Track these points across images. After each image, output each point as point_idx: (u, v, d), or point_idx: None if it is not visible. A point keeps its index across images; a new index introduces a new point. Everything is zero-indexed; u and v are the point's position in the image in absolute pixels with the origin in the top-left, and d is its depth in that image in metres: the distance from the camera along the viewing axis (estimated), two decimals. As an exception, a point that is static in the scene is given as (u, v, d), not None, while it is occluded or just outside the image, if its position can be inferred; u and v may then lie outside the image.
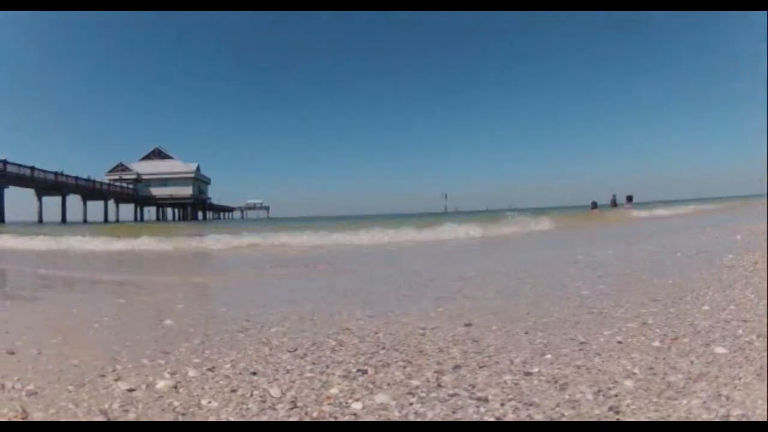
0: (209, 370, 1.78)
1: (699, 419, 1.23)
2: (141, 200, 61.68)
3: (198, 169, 65.68)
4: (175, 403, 1.47)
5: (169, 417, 1.38)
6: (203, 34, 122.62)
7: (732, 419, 1.22)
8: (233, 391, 1.57)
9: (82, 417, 1.39)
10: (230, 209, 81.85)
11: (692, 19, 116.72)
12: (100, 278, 5.51)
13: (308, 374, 1.71)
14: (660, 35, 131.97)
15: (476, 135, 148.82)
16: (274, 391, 1.55)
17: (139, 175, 62.16)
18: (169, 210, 66.24)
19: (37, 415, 1.40)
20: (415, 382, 1.59)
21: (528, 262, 5.69)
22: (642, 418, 1.26)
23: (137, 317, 2.91)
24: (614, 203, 27.12)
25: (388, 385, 1.58)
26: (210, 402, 1.48)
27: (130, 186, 61.13)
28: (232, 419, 1.36)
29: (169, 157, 65.01)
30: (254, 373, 1.73)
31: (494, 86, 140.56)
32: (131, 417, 1.39)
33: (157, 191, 62.70)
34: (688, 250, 5.01)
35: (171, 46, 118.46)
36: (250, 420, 1.36)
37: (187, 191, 63.44)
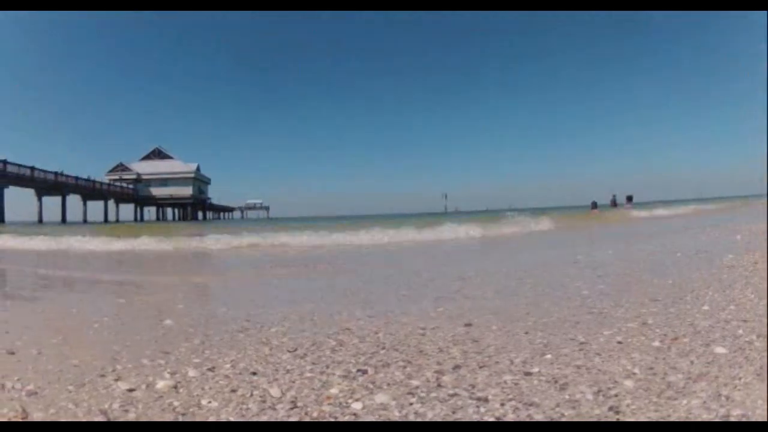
0: (209, 370, 1.78)
1: (699, 419, 1.23)
2: (141, 200, 61.69)
3: (198, 169, 65.70)
4: (175, 403, 1.47)
5: (169, 417, 1.38)
6: (203, 34, 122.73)
7: (732, 419, 1.22)
8: (233, 391, 1.57)
9: (82, 417, 1.39)
10: (230, 209, 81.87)
11: (692, 19, 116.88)
12: (100, 278, 5.51)
13: (308, 374, 1.71)
14: (660, 35, 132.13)
15: (476, 135, 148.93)
16: (274, 391, 1.55)
17: (139, 175, 62.18)
18: (169, 210, 66.27)
19: (37, 415, 1.40)
20: (415, 382, 1.59)
21: (528, 262, 5.69)
22: (642, 418, 1.26)
23: (137, 317, 2.91)
24: (614, 203, 27.12)
25: (388, 385, 1.58)
26: (210, 402, 1.48)
27: (130, 186, 61.15)
28: (232, 419, 1.36)
29: (169, 157, 65.02)
30: (254, 373, 1.73)
31: (494, 86, 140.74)
32: (131, 417, 1.39)
33: (157, 191, 62.71)
34: (688, 250, 5.01)
35: (171, 46, 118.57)
36: (250, 420, 1.36)
37: (187, 191, 63.45)
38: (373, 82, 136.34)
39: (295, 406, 1.43)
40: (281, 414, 1.39)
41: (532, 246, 8.13)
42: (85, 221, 48.28)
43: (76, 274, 6.07)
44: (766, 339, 1.82)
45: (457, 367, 1.73)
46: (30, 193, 44.14)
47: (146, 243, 9.67)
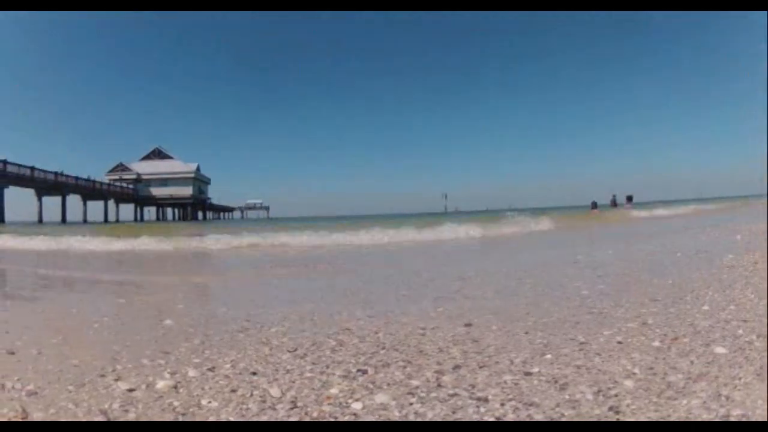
0: (209, 370, 1.78)
1: (699, 419, 1.23)
2: (141, 200, 61.71)
3: (198, 169, 65.71)
4: (175, 403, 1.47)
5: (169, 417, 1.38)
6: (203, 34, 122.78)
7: (732, 419, 1.22)
8: (233, 391, 1.57)
9: (82, 417, 1.39)
10: (230, 209, 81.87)
11: (692, 19, 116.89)
12: (100, 278, 5.51)
13: (308, 374, 1.71)
14: (660, 35, 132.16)
15: (476, 135, 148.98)
16: (274, 391, 1.55)
17: (139, 175, 62.19)
18: (169, 210, 66.28)
19: (37, 415, 1.40)
20: (415, 382, 1.59)
21: (528, 262, 5.69)
22: (642, 418, 1.26)
23: (137, 317, 2.91)
24: (614, 203, 27.12)
25: (388, 385, 1.58)
26: (210, 402, 1.48)
27: (130, 186, 61.16)
28: (232, 419, 1.36)
29: (169, 157, 65.03)
30: (254, 373, 1.73)
31: (494, 86, 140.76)
32: (131, 417, 1.39)
33: (157, 191, 62.72)
34: (688, 250, 5.01)
35: (171, 46, 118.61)
36: (250, 420, 1.36)
37: (187, 191, 63.46)
38: (373, 82, 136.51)
39: (295, 406, 1.43)
40: (281, 414, 1.39)
41: (532, 246, 8.13)
42: (85, 221, 48.28)
43: (76, 274, 6.07)
44: (766, 339, 1.82)
45: (457, 367, 1.73)
46: (30, 193, 44.17)
47: (146, 243, 9.67)
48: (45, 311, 3.15)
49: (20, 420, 1.37)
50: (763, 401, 1.29)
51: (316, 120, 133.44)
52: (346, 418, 1.35)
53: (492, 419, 1.31)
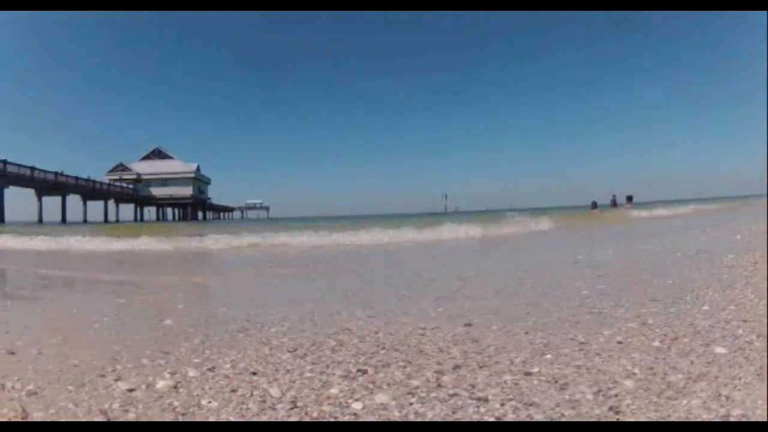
0: (209, 370, 1.78)
1: (699, 419, 1.23)
2: (141, 200, 61.71)
3: (198, 169, 65.71)
4: (175, 403, 1.47)
5: (169, 417, 1.38)
6: (203, 34, 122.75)
7: (732, 419, 1.22)
8: (233, 391, 1.57)
9: (82, 417, 1.39)
10: (230, 209, 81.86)
11: (692, 19, 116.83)
12: (100, 278, 5.51)
13: (308, 374, 1.71)
14: (660, 35, 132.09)
15: (476, 135, 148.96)
16: (274, 391, 1.55)
17: (139, 175, 62.19)
18: (169, 210, 66.27)
19: (37, 415, 1.40)
20: (415, 382, 1.59)
21: (528, 262, 5.69)
22: (642, 418, 1.26)
23: (137, 317, 2.91)
24: (614, 203, 27.12)
25: (388, 385, 1.58)
26: (210, 402, 1.48)
27: (130, 186, 61.16)
28: (232, 419, 1.36)
29: (169, 157, 65.04)
30: (254, 373, 1.73)
31: (494, 86, 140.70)
32: (131, 417, 1.39)
33: (157, 191, 62.72)
34: (688, 250, 5.01)
35: (171, 46, 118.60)
36: (250, 420, 1.36)
37: (187, 191, 63.47)
38: (373, 82, 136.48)
39: (295, 406, 1.43)
40: (281, 414, 1.39)
41: (532, 246, 8.13)
42: (85, 221, 48.29)
43: (76, 274, 6.07)
44: (766, 339, 1.82)
45: (457, 367, 1.73)
46: (30, 193, 44.18)
47: (146, 243, 9.66)
48: (45, 311, 3.15)
49: (20, 420, 1.37)
50: (763, 401, 1.29)
51: (317, 120, 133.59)
52: (346, 418, 1.35)
53: (492, 419, 1.31)
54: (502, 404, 1.39)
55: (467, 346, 1.99)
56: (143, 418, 1.38)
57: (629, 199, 25.18)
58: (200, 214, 68.05)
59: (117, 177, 61.13)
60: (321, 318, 2.63)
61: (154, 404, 1.47)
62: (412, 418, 1.34)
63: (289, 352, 2.00)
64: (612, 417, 1.28)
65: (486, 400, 1.42)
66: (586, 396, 1.41)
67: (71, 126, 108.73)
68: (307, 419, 1.35)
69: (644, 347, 1.84)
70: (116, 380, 1.68)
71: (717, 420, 1.22)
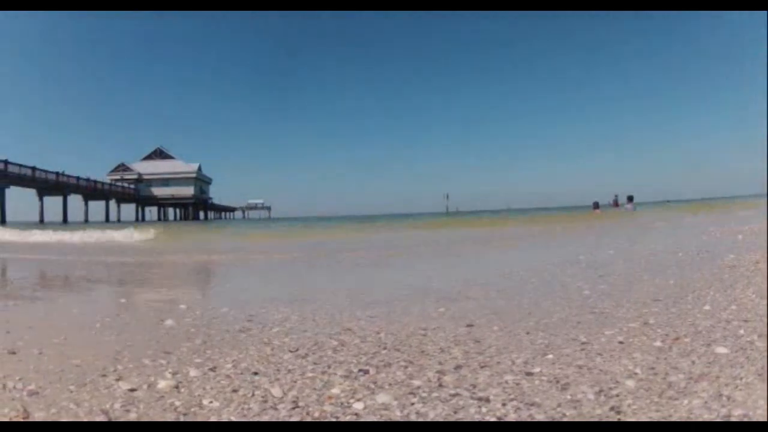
0: (211, 370, 1.78)
1: (700, 419, 1.23)
2: (142, 200, 61.79)
3: (199, 168, 65.76)
4: (177, 403, 1.47)
5: (170, 417, 1.39)
6: (204, 34, 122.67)
7: (733, 419, 1.22)
8: (235, 391, 1.57)
9: (83, 417, 1.39)
10: (232, 209, 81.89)
11: (692, 19, 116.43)
12: (101, 278, 5.52)
13: (310, 374, 1.71)
14: (660, 35, 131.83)
15: (476, 135, 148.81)
16: (276, 391, 1.55)
17: (140, 175, 62.27)
18: (170, 210, 66.34)
19: (38, 415, 1.41)
20: (416, 382, 1.59)
21: (529, 262, 5.69)
22: (643, 418, 1.26)
23: (138, 317, 2.91)
24: (616, 203, 27.09)
25: (390, 385, 1.58)
26: (211, 402, 1.48)
27: (132, 186, 61.26)
28: (233, 419, 1.36)
29: (171, 157, 65.11)
30: (256, 373, 1.73)
31: (494, 86, 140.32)
32: (132, 417, 1.39)
33: (158, 191, 62.79)
34: (690, 250, 5.00)
35: (172, 46, 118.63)
36: (251, 420, 1.36)
37: (188, 191, 63.53)
38: (374, 83, 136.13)
39: (297, 406, 1.43)
40: (283, 414, 1.39)
41: (533, 246, 8.13)
42: (86, 221, 48.33)
43: (77, 273, 6.08)
44: (767, 339, 1.82)
45: (458, 367, 1.73)
46: (31, 193, 44.28)
47: (150, 242, 9.68)
48: (46, 311, 3.15)
49: (21, 420, 1.38)
50: (764, 401, 1.29)
51: (317, 120, 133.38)
52: (348, 418, 1.35)
53: (493, 419, 1.31)
54: (504, 404, 1.39)
55: (469, 346, 1.99)
56: (145, 418, 1.38)
57: (630, 199, 25.12)
58: (202, 214, 68.14)
59: (118, 177, 61.23)
60: (322, 318, 2.63)
61: (156, 404, 1.47)
62: (413, 418, 1.34)
63: (291, 352, 2.00)
64: (613, 417, 1.28)
65: (487, 400, 1.42)
66: (588, 396, 1.41)
67: (72, 126, 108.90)
68: (309, 419, 1.35)
69: (646, 347, 1.84)
70: (118, 380, 1.68)
71: (718, 420, 1.22)
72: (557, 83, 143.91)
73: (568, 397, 1.42)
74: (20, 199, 53.26)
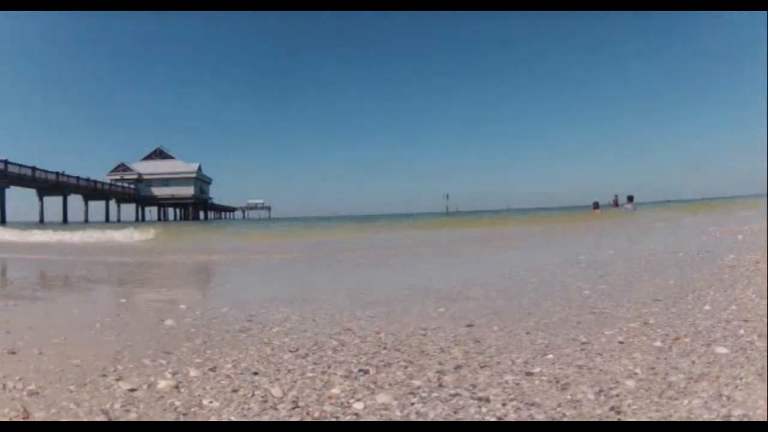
0: (211, 370, 1.78)
1: (700, 419, 1.23)
2: (142, 200, 61.80)
3: (199, 169, 65.77)
4: (177, 403, 1.47)
5: (170, 417, 1.39)
6: (204, 34, 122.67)
7: (733, 419, 1.22)
8: (235, 391, 1.57)
9: (83, 417, 1.39)
10: (232, 209, 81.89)
11: (692, 19, 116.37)
12: (101, 278, 5.52)
13: (310, 374, 1.71)
14: (660, 35, 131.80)
15: (477, 135, 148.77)
16: (276, 391, 1.55)
17: (140, 175, 62.28)
18: (170, 210, 66.35)
19: (38, 415, 1.41)
20: (416, 382, 1.59)
21: (529, 262, 5.69)
22: (643, 418, 1.26)
23: (139, 317, 2.91)
24: (616, 203, 27.10)
25: (390, 385, 1.58)
26: (211, 402, 1.48)
27: (132, 186, 61.27)
28: (233, 419, 1.36)
29: (171, 157, 65.12)
30: (256, 373, 1.73)
31: (494, 86, 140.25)
32: (132, 417, 1.39)
33: (158, 191, 62.80)
34: (690, 250, 5.00)
35: (172, 46, 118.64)
36: (251, 420, 1.36)
37: (188, 191, 63.54)
38: (374, 83, 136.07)
39: (297, 406, 1.43)
40: (283, 414, 1.39)
41: (533, 246, 8.13)
42: (86, 221, 48.34)
43: (78, 273, 6.08)
44: (767, 339, 1.82)
45: (458, 367, 1.73)
46: (32, 193, 44.28)
47: (150, 242, 9.68)
48: (46, 311, 3.15)
49: (21, 420, 1.38)
50: (764, 401, 1.29)
51: (317, 120, 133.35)
52: (348, 418, 1.35)
53: (493, 419, 1.31)
54: (504, 404, 1.39)
55: (469, 346, 1.99)
56: (145, 418, 1.38)
57: (630, 199, 25.14)
58: (202, 214, 68.15)
59: (118, 177, 61.24)
60: (322, 318, 2.63)
61: (156, 404, 1.47)
62: (413, 418, 1.34)
63: (291, 352, 2.00)
64: (613, 417, 1.28)
65: (487, 400, 1.42)
66: (588, 396, 1.41)
67: (72, 126, 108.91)
68: (309, 419, 1.35)
69: (646, 347, 1.84)
70: (118, 380, 1.68)
71: (718, 420, 1.22)
72: (557, 83, 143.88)
73: (568, 397, 1.42)
74: (20, 199, 53.35)
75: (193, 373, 1.75)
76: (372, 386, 1.57)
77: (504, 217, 12.98)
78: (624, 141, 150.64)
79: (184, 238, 14.03)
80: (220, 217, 77.39)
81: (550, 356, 1.80)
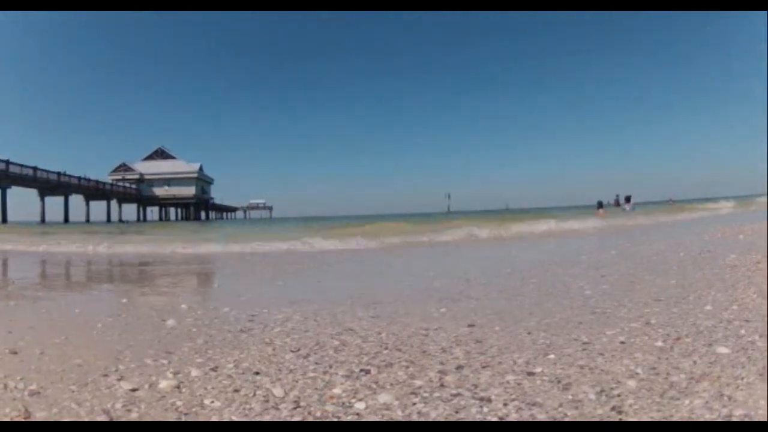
0: (212, 369, 1.79)
1: (701, 419, 1.23)
2: (144, 200, 61.81)
3: (201, 168, 65.77)
4: (178, 403, 1.48)
5: (172, 417, 1.39)
6: (205, 34, 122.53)
7: (734, 419, 1.22)
8: (236, 390, 1.57)
9: (84, 417, 1.39)
10: (233, 209, 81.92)
11: (692, 19, 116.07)
12: (103, 278, 5.52)
13: (311, 374, 1.71)
14: (660, 35, 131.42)
15: (476, 135, 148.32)
16: (277, 391, 1.55)
17: (142, 175, 62.29)
18: (171, 210, 66.34)
19: (39, 415, 1.41)
20: (418, 382, 1.59)
21: (531, 262, 5.69)
22: (644, 418, 1.26)
23: (140, 317, 2.91)
24: (617, 203, 27.08)
25: (391, 385, 1.58)
26: (213, 402, 1.48)
27: (133, 186, 61.27)
28: (234, 419, 1.37)
29: (172, 157, 65.11)
30: (257, 373, 1.73)
31: (494, 86, 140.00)
32: (134, 417, 1.39)
33: (160, 191, 62.79)
34: (691, 250, 4.99)
35: (172, 46, 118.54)
36: (253, 420, 1.36)
37: (190, 191, 63.53)
38: (375, 83, 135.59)
39: (298, 406, 1.43)
40: (284, 414, 1.39)
41: (535, 246, 8.13)
42: (87, 221, 48.38)
43: (79, 273, 6.09)
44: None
45: (460, 367, 1.73)
46: (33, 193, 44.30)
47: (151, 243, 9.68)
48: (48, 311, 3.15)
49: (23, 420, 1.38)
50: (765, 401, 1.29)
51: (318, 120, 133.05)
52: (349, 418, 1.35)
53: (495, 419, 1.31)
54: (505, 404, 1.39)
55: (470, 346, 1.99)
56: (146, 418, 1.38)
57: (627, 199, 25.15)
58: (203, 214, 68.14)
59: (120, 177, 61.26)
60: (324, 318, 2.63)
61: (157, 404, 1.47)
62: (415, 418, 1.34)
63: (292, 352, 2.00)
64: (615, 417, 1.28)
65: (489, 400, 1.42)
66: (589, 396, 1.41)
67: (74, 126, 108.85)
68: (310, 419, 1.35)
69: (647, 347, 1.84)
70: (119, 380, 1.68)
71: (719, 420, 1.22)
72: (557, 83, 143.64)
73: (570, 397, 1.42)
74: (22, 199, 53.42)
75: (194, 372, 1.75)
76: (373, 386, 1.57)
77: (505, 216, 12.94)
78: (624, 141, 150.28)
79: (184, 238, 14.03)
80: (222, 217, 77.39)
81: (552, 356, 1.80)
